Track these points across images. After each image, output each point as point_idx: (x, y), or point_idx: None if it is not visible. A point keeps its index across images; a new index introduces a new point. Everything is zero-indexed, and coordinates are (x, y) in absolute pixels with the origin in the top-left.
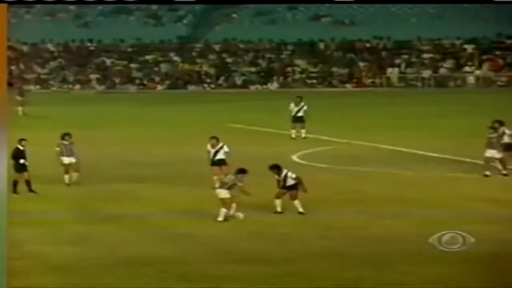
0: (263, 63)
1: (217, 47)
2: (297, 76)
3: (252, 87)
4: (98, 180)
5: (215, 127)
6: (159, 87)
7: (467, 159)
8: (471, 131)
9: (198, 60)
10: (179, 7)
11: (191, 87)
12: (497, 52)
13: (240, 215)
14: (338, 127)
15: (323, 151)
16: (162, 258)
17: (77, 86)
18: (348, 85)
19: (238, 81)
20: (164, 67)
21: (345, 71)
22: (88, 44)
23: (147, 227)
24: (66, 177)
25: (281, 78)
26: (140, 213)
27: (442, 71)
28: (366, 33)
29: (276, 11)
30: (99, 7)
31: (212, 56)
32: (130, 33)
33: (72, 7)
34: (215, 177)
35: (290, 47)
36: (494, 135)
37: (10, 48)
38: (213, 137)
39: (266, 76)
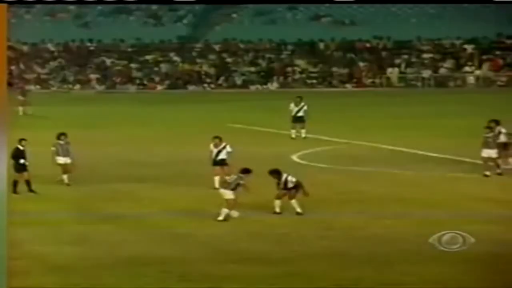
0: (263, 63)
1: (217, 47)
2: (297, 76)
3: (252, 87)
4: (98, 180)
5: (215, 127)
6: (159, 87)
7: (467, 159)
8: (471, 131)
9: (198, 60)
10: (179, 7)
11: (191, 87)
12: (497, 52)
13: (235, 213)
14: (338, 127)
15: (323, 151)
16: (162, 258)
17: (77, 86)
18: (348, 85)
19: (238, 81)
20: (164, 67)
21: (345, 71)
22: (88, 44)
23: (147, 227)
24: (65, 177)
25: (281, 78)
26: (140, 213)
27: (442, 71)
28: (366, 33)
29: (276, 11)
30: (99, 7)
31: (212, 56)
32: (130, 33)
33: (72, 7)
34: (215, 177)
35: (290, 47)
36: (490, 134)
37: (10, 48)
38: (216, 137)
39: (266, 76)
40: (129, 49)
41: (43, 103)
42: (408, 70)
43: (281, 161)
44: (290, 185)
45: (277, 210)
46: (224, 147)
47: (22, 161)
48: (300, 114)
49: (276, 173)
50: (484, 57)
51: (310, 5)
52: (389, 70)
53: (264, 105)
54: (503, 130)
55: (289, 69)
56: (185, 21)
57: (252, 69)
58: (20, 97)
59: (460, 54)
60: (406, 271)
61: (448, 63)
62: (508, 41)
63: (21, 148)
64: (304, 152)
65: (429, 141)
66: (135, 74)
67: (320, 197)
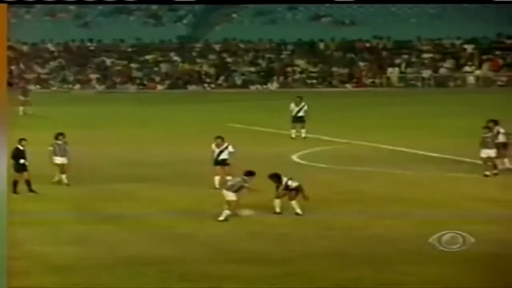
0: (263, 63)
1: (217, 47)
2: (297, 76)
3: (252, 87)
4: (98, 180)
5: (215, 127)
6: (159, 87)
7: (467, 159)
8: (471, 131)
9: (198, 60)
10: (179, 7)
11: (191, 87)
12: (497, 52)
13: (249, 212)
14: (338, 127)
15: (323, 151)
16: (162, 258)
17: (77, 86)
18: (348, 85)
19: (238, 81)
20: (164, 67)
21: (345, 71)
22: (88, 44)
23: (147, 227)
24: (63, 176)
25: (281, 78)
26: (140, 213)
27: (442, 71)
28: (366, 33)
29: (276, 11)
30: (99, 7)
31: (212, 56)
32: (130, 33)
33: (72, 7)
34: (216, 177)
35: (290, 47)
36: (489, 134)
37: (10, 48)
38: (218, 137)
39: (266, 76)
40: (129, 49)
41: (43, 103)
42: (408, 70)
43: (281, 161)
44: (292, 185)
45: (277, 210)
46: (226, 147)
47: (22, 161)
48: (301, 114)
49: (275, 177)
50: (484, 57)
51: (310, 5)
52: (389, 70)
53: (264, 105)
54: (502, 130)
55: (289, 69)
56: (185, 21)
57: (252, 69)
58: (22, 97)
59: (460, 54)
60: (406, 271)
61: (448, 63)
62: (508, 41)
63: (21, 148)
64: (304, 152)
65: (429, 141)
66: (135, 74)
67: (320, 197)
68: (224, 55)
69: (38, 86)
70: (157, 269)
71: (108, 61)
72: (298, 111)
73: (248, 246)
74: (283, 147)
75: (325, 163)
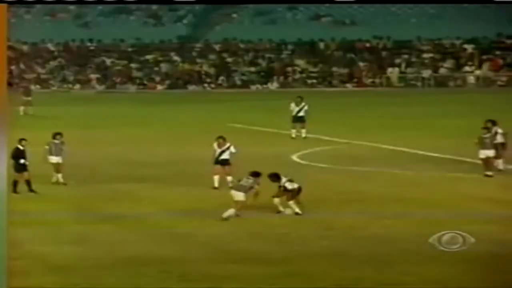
0: (263, 63)
1: (217, 47)
2: (297, 76)
3: (252, 87)
4: (98, 180)
5: (215, 127)
6: (159, 87)
7: (467, 159)
8: (471, 131)
9: (198, 60)
10: (179, 7)
11: (191, 87)
12: (497, 52)
13: (288, 211)
14: (338, 127)
15: (323, 151)
16: (162, 258)
17: (77, 86)
18: (348, 85)
19: (238, 81)
20: (164, 67)
21: (345, 71)
22: (88, 44)
23: (147, 227)
24: (59, 175)
25: (281, 78)
26: (140, 213)
27: (442, 71)
28: (366, 33)
29: (276, 11)
30: (99, 7)
31: (212, 56)
32: (130, 33)
33: (72, 7)
34: (215, 176)
35: (290, 47)
36: (488, 135)
37: (10, 48)
38: (220, 137)
39: (266, 76)
40: (129, 49)
41: (43, 103)
42: (408, 70)
43: (281, 161)
44: (289, 187)
45: (281, 208)
46: (228, 148)
47: (22, 161)
48: (301, 114)
49: (274, 176)
50: (484, 57)
51: (310, 5)
52: (389, 70)
53: (264, 105)
54: (500, 131)
55: (289, 69)
56: (185, 21)
57: (252, 69)
58: (24, 97)
59: (460, 54)
60: (406, 271)
61: (448, 63)
62: (508, 41)
63: (21, 148)
64: (304, 152)
65: (429, 141)
66: (135, 74)
67: (320, 197)
68: (224, 55)
69: (38, 86)
70: (157, 269)
71: (108, 61)
72: (299, 111)
73: (248, 246)
74: (283, 147)
75: (325, 163)
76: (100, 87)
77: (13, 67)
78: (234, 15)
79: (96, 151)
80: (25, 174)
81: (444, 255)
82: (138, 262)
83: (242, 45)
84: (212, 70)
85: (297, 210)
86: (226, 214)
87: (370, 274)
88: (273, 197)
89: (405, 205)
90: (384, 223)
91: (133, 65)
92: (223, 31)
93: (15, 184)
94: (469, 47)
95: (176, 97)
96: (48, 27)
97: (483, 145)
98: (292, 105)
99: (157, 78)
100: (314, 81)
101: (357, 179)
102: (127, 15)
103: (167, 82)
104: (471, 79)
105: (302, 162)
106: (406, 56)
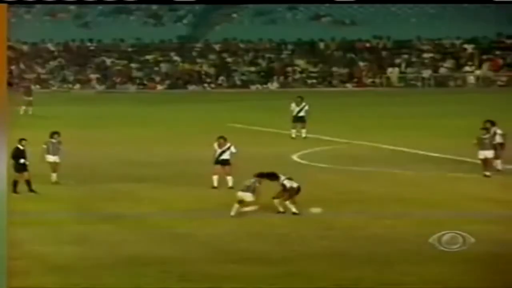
0: (263, 63)
1: (217, 47)
2: (297, 76)
3: (252, 87)
4: (98, 180)
5: (216, 127)
6: (159, 87)
7: (467, 159)
8: (471, 131)
9: (198, 60)
10: (179, 7)
11: (191, 87)
12: (497, 52)
13: (317, 210)
14: (338, 127)
15: (323, 151)
16: (162, 258)
17: (77, 86)
18: (348, 85)
19: (238, 81)
20: (164, 66)
21: (345, 71)
22: (88, 43)
23: (147, 227)
24: (54, 175)
25: (281, 78)
26: (140, 213)
27: (442, 71)
28: (366, 32)
29: (276, 11)
30: (99, 7)
31: (212, 56)
32: (130, 33)
33: (72, 7)
34: (214, 176)
35: (290, 47)
36: (487, 135)
37: (10, 48)
38: (221, 137)
39: (266, 76)
40: (129, 49)
41: (43, 103)
42: (408, 70)
43: (281, 161)
44: (288, 185)
45: (281, 209)
46: (228, 148)
47: (22, 160)
48: (302, 114)
49: (272, 176)
50: (484, 57)
51: (310, 5)
52: (389, 70)
53: (264, 105)
54: (499, 131)
55: (289, 69)
56: (185, 21)
57: (252, 69)
58: (25, 97)
59: (460, 54)
60: (406, 271)
61: (448, 63)
62: (508, 41)
63: (21, 148)
64: (304, 152)
65: (429, 141)
66: (135, 74)
67: (320, 197)
68: (224, 55)
69: (38, 86)
70: (157, 269)
71: (108, 61)
72: (299, 111)
73: (248, 246)
74: (283, 147)
75: (325, 163)
76: (100, 87)
77: (13, 67)
78: (234, 15)
79: (96, 151)
80: (25, 174)
81: (444, 255)
82: (138, 262)
83: (242, 45)
84: (212, 70)
85: (294, 210)
86: (232, 212)
87: (370, 274)
88: (274, 198)
89: (405, 205)
90: (384, 223)
91: (133, 65)
92: (223, 31)
93: (15, 184)
94: (469, 47)
95: (176, 97)
96: (48, 27)
97: (482, 145)
98: (293, 105)
99: (157, 78)
100: (314, 81)
101: (357, 179)
102: (127, 15)
103: (167, 82)
104: (471, 79)
105: (302, 162)
106: (406, 56)
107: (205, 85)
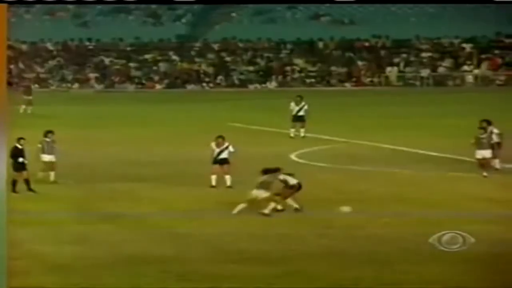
0: (262, 62)
1: (216, 46)
2: (296, 75)
3: (251, 86)
4: (97, 179)
5: (215, 126)
6: (158, 86)
7: (466, 159)
8: (470, 130)
9: (197, 59)
10: (178, 6)
11: (189, 86)
12: (496, 51)
13: (347, 208)
14: (337, 126)
15: (322, 150)
16: (162, 258)
17: (76, 85)
18: (346, 84)
19: (237, 80)
20: (162, 66)
21: (344, 70)
22: (87, 43)
23: (146, 226)
24: (52, 173)
25: (280, 77)
26: (140, 212)
27: (440, 70)
28: (365, 32)
29: (275, 10)
30: (98, 6)
31: (211, 55)
32: (129, 32)
33: (71, 6)
34: (213, 176)
35: (289, 46)
36: (485, 135)
37: (9, 47)
38: (219, 136)
39: (264, 75)
40: (128, 48)
41: (42, 102)
42: (407, 69)
43: (280, 160)
44: (291, 182)
45: (279, 207)
46: (226, 147)
47: (20, 160)
48: (301, 113)
49: (276, 171)
50: (483, 56)
51: (309, 4)
52: (388, 69)
53: (263, 104)
54: (495, 130)
55: (288, 68)
56: (184, 20)
57: (251, 68)
58: (25, 96)
59: (459, 53)
60: (405, 270)
61: (447, 62)
62: (507, 40)
63: (19, 147)
64: (302, 151)
65: (428, 141)
66: (134, 73)
67: (319, 196)
68: (223, 54)
69: (37, 85)
70: (157, 268)
71: (106, 60)
72: (299, 111)
73: (248, 245)
74: (282, 146)
75: (324, 162)
76: (98, 87)
77: (12, 67)
78: (233, 14)
79: (94, 150)
80: (24, 173)
81: (443, 255)
82: (137, 261)
83: (241, 44)
84: (210, 69)
85: (296, 205)
86: (266, 210)
87: (369, 273)
88: (276, 195)
89: (404, 204)
90: (383, 222)
91: (131, 64)
92: (222, 30)
93: (14, 183)
94: (468, 46)
95: (175, 96)
96: (47, 26)
97: (479, 145)
98: (292, 104)
99: (156, 78)
100: (313, 80)
101: (356, 178)
102: (126, 15)
103: (166, 81)
104: (469, 78)
105: (300, 161)
106: (404, 55)
107: (204, 84)
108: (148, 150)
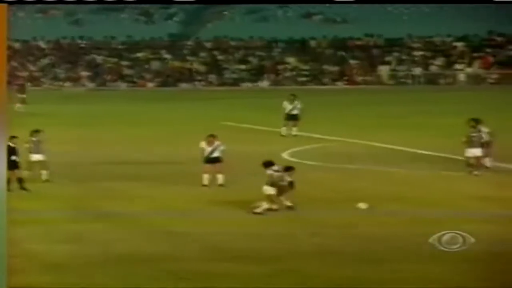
0: (254, 61)
1: (208, 45)
2: (288, 73)
3: (243, 85)
4: (90, 178)
5: (207, 125)
6: (150, 85)
7: (459, 157)
8: (463, 129)
9: (189, 58)
10: (170, 5)
11: (182, 85)
12: (488, 50)
13: (364, 205)
14: (329, 125)
15: (314, 148)
16: (156, 256)
17: (68, 84)
18: (339, 83)
19: (229, 78)
20: (154, 64)
21: (336, 68)
22: (79, 41)
23: (140, 225)
24: (27, 173)
25: (272, 76)
26: (133, 211)
27: (432, 68)
28: (358, 31)
29: (267, 8)
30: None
31: (203, 54)
32: (121, 31)
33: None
34: (205, 175)
35: (281, 45)
36: (475, 134)
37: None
38: (210, 135)
39: (257, 74)
40: (120, 47)
41: (35, 100)
42: (399, 67)
43: (272, 159)
44: (288, 179)
45: (274, 206)
46: (218, 146)
47: (13, 158)
48: (295, 112)
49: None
50: (475, 54)
51: (302, 3)
52: (380, 67)
53: (255, 103)
54: (483, 129)
55: (280, 66)
56: (176, 18)
57: (243, 66)
58: (18, 95)
59: (451, 51)
60: (399, 269)
61: (439, 61)
62: (499, 39)
63: (12, 145)
64: (294, 149)
65: (420, 139)
66: (126, 71)
67: (311, 195)
68: (215, 52)
69: (29, 84)
70: (151, 267)
71: (98, 59)
72: (292, 109)
73: (242, 244)
74: (274, 145)
75: (316, 161)
76: (90, 85)
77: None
78: (225, 13)
79: (87, 149)
80: (17, 171)
81: (439, 254)
82: (131, 260)
83: (233, 43)
84: (202, 68)
85: (288, 204)
86: (259, 209)
87: (364, 272)
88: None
89: (398, 203)
90: (377, 221)
91: (123, 62)
92: (214, 29)
93: (8, 182)
94: (460, 45)
95: (167, 95)
96: (40, 25)
97: (470, 143)
98: (285, 103)
99: (148, 76)
100: (305, 79)
101: (349, 177)
102: (118, 13)
103: (158, 80)
104: (461, 76)
105: (292, 159)
106: (397, 54)
107: (196, 83)
108: (141, 149)
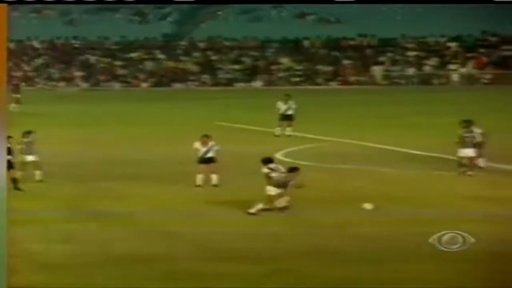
0: (248, 61)
1: (201, 45)
2: (281, 74)
3: (237, 85)
4: (86, 178)
5: (201, 125)
6: (144, 85)
7: (452, 157)
8: (456, 129)
9: (183, 58)
10: (165, 5)
11: (175, 85)
12: (482, 50)
13: (369, 206)
14: (323, 125)
15: (308, 149)
16: (151, 256)
17: (62, 84)
18: (332, 83)
19: (222, 79)
20: (148, 64)
21: (329, 69)
22: (73, 41)
23: (135, 225)
24: (19, 174)
25: (266, 76)
26: (128, 211)
27: (426, 69)
28: (351, 31)
29: (261, 9)
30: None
31: (196, 54)
32: (115, 31)
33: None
34: (199, 175)
35: (274, 45)
36: (468, 134)
37: None
38: (204, 135)
39: (250, 74)
40: (114, 47)
41: (29, 100)
42: (393, 68)
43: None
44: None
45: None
46: (212, 146)
47: (8, 157)
48: (289, 112)
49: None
50: (469, 55)
51: (296, 3)
52: (374, 68)
53: (249, 103)
54: (476, 130)
55: (273, 67)
56: (170, 18)
57: (237, 67)
58: (13, 95)
59: (445, 52)
60: (395, 269)
61: (433, 61)
62: (493, 39)
63: (7, 145)
64: (288, 150)
65: (414, 140)
66: (120, 71)
67: (307, 195)
68: (209, 53)
69: (23, 84)
70: (147, 267)
71: (92, 59)
72: (287, 109)
73: (238, 244)
74: (268, 145)
75: (310, 161)
76: (84, 85)
77: None
78: (219, 13)
79: (82, 149)
80: (11, 171)
81: (436, 253)
82: (126, 260)
83: (226, 43)
84: (196, 68)
85: (283, 204)
86: (252, 209)
87: (360, 272)
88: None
89: (392, 203)
90: (373, 221)
91: (117, 62)
92: (208, 29)
93: None
94: (454, 45)
95: (161, 95)
96: (34, 24)
97: (463, 144)
98: (279, 103)
99: (141, 76)
100: (299, 79)
101: (343, 177)
102: (113, 13)
103: (151, 80)
104: (455, 77)
105: (286, 160)
106: (390, 54)
107: (189, 83)
108: (135, 149)
